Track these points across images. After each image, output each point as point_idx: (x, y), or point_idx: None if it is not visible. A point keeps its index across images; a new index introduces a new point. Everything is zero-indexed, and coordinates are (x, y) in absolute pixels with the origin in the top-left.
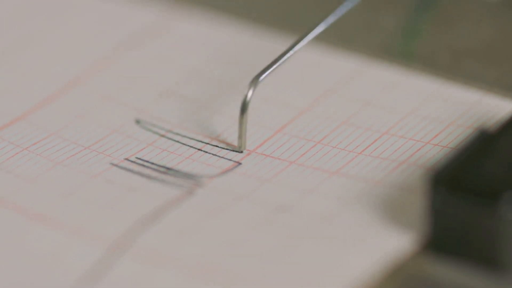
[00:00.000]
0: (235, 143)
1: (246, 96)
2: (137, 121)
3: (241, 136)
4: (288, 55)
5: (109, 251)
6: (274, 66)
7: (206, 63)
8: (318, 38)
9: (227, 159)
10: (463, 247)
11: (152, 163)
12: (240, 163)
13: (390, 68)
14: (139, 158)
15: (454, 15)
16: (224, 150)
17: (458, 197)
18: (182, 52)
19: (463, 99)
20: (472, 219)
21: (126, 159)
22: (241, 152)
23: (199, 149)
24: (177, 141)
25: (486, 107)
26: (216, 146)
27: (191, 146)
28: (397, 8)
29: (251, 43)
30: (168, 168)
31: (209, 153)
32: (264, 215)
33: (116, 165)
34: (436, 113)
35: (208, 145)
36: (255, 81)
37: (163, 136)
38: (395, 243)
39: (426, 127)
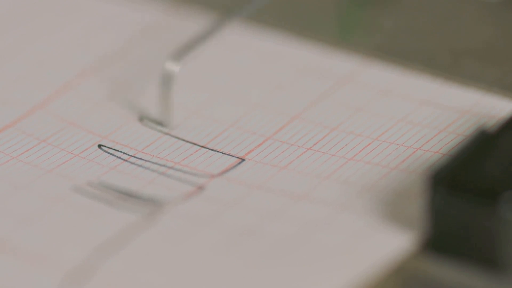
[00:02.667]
0: (201, 167)
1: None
2: (100, 146)
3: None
4: (213, 34)
5: (68, 278)
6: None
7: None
8: (315, 37)
9: (190, 184)
10: (463, 247)
11: (115, 188)
12: (203, 188)
13: (389, 68)
14: (102, 183)
15: (455, 15)
16: (188, 174)
17: (458, 197)
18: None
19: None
20: (472, 219)
21: (88, 183)
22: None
23: (162, 173)
24: (140, 166)
25: (486, 107)
26: (180, 170)
27: (154, 171)
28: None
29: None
30: (130, 194)
31: (172, 177)
32: (228, 240)
33: (78, 190)
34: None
35: (172, 169)
36: (175, 56)
37: (126, 160)
38: (395, 243)
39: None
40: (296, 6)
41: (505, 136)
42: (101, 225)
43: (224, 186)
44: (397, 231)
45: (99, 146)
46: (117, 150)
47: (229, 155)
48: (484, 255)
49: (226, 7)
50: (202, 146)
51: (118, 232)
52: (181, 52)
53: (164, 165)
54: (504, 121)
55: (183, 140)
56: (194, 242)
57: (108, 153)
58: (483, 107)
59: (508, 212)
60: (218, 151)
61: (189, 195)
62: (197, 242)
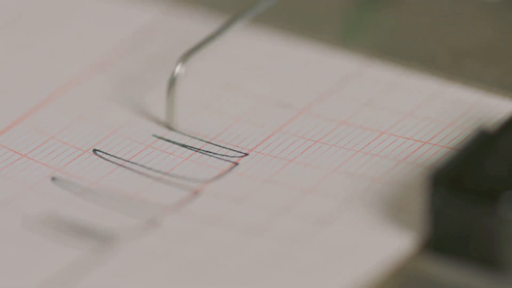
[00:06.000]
0: (155, 200)
1: (174, 72)
2: (53, 178)
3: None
4: (221, 35)
5: None
6: (206, 45)
7: None
8: (316, 37)
9: (144, 217)
10: (463, 247)
11: (67, 223)
12: (157, 222)
13: (390, 68)
14: (54, 217)
15: (455, 15)
16: (141, 207)
17: (458, 197)
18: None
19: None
20: (472, 219)
21: (40, 217)
22: (173, 129)
23: (116, 207)
24: (93, 200)
25: (486, 107)
26: (134, 203)
27: (107, 205)
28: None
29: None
30: (82, 228)
31: (126, 211)
32: (187, 273)
33: (28, 224)
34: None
35: (125, 203)
36: (183, 58)
37: (79, 194)
38: (395, 243)
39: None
40: (301, 7)
41: (505, 136)
42: (51, 261)
43: (179, 219)
44: (397, 232)
45: (52, 178)
46: (71, 183)
47: (183, 187)
48: (484, 255)
49: (230, 9)
50: (157, 179)
51: (68, 268)
52: (188, 54)
53: (117, 199)
54: (504, 121)
55: (137, 172)
56: (148, 278)
57: (61, 186)
58: (483, 107)
59: (508, 212)
60: (173, 183)
61: (143, 229)
62: (151, 278)
